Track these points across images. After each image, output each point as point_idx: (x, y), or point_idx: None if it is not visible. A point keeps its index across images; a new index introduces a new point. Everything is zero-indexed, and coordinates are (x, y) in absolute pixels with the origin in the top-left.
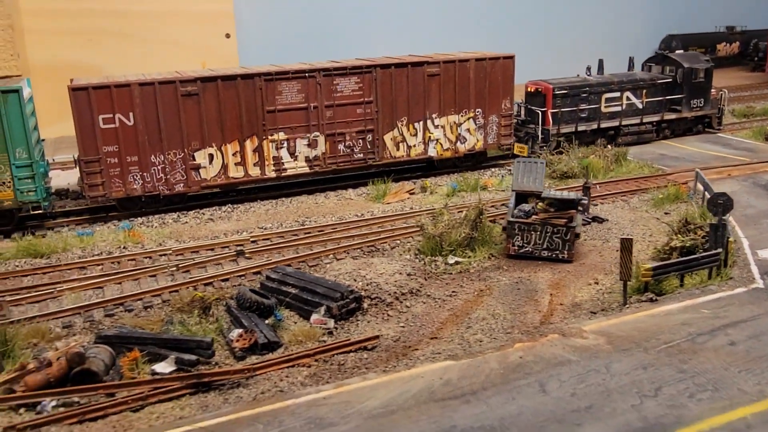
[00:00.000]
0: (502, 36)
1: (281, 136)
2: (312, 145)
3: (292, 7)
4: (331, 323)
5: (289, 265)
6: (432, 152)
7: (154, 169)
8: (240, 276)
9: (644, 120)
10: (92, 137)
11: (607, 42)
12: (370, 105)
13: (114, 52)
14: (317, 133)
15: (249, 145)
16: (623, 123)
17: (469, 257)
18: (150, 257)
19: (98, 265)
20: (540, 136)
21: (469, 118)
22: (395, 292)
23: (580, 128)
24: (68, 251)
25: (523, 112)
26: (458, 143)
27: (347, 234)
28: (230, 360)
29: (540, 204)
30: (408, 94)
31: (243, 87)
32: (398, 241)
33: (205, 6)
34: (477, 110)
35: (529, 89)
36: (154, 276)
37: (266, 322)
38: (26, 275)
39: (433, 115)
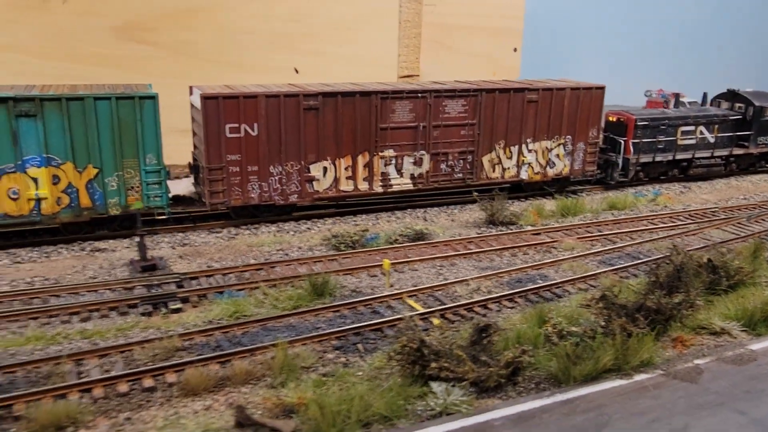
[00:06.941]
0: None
1: (390, 153)
2: (417, 162)
3: (562, 30)
4: None
5: None
6: (524, 175)
7: (272, 180)
8: None
9: (715, 153)
10: (218, 146)
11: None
12: (473, 127)
13: (432, 60)
14: (423, 152)
15: (360, 160)
16: (696, 155)
17: None
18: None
19: (677, 216)
20: (620, 165)
21: (559, 144)
22: None
23: (657, 159)
24: (635, 207)
25: (602, 140)
26: (547, 168)
27: None
28: None
29: None
30: (507, 118)
31: (360, 104)
32: None
33: (501, 22)
34: (567, 137)
35: (611, 119)
36: None
37: None
38: (641, 220)
39: (528, 140)
